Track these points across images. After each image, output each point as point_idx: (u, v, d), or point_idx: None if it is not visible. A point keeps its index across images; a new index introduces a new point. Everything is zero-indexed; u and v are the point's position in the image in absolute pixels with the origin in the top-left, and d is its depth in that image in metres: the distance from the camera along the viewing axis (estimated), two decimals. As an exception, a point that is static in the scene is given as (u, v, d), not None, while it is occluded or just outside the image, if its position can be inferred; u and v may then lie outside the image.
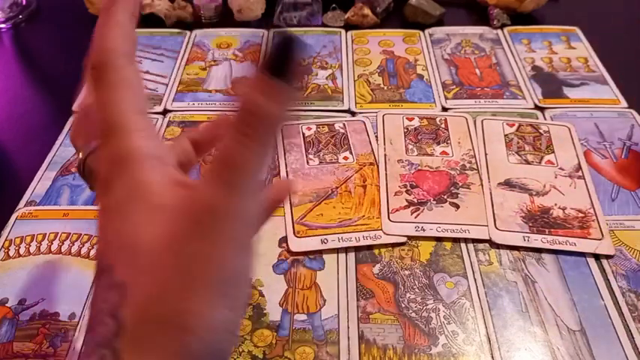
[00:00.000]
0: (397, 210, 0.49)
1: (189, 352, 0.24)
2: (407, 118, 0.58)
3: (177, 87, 0.64)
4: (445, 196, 0.50)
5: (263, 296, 0.44)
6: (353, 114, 0.60)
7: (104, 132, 0.26)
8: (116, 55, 0.27)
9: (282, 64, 0.23)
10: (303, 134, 0.56)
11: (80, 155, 0.32)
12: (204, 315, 0.24)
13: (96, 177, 0.30)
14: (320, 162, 0.53)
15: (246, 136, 0.23)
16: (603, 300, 0.43)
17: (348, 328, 0.41)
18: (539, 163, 0.53)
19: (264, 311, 0.43)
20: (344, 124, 0.57)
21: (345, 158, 0.54)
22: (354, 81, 0.64)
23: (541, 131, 0.56)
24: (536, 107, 0.60)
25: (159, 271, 0.24)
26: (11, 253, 0.47)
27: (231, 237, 0.25)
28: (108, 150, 0.26)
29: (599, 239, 0.46)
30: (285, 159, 0.54)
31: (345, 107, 0.60)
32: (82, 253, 0.47)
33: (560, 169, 0.53)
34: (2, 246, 0.47)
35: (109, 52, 0.27)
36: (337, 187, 0.51)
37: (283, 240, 0.47)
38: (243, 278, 0.26)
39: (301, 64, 0.23)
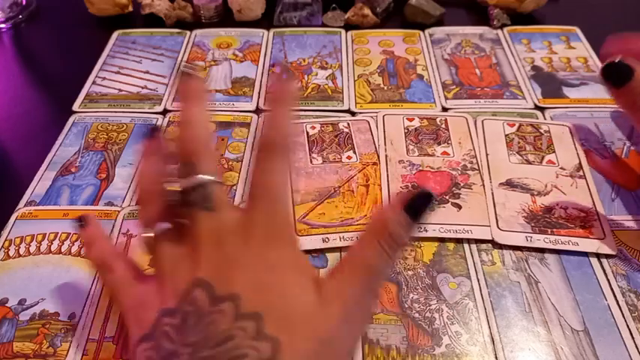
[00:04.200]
0: (399, 210, 0.49)
1: None
2: (407, 119, 0.58)
3: (178, 87, 0.63)
4: (447, 197, 0.50)
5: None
6: (353, 114, 0.59)
7: (268, 195, 0.33)
8: (288, 142, 0.35)
9: (418, 210, 0.31)
10: (307, 133, 0.56)
11: (150, 233, 0.35)
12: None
13: (211, 202, 0.34)
14: (323, 161, 0.53)
15: (383, 247, 0.31)
16: (607, 300, 0.43)
17: (351, 328, 0.41)
18: (541, 162, 0.53)
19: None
20: (348, 124, 0.57)
21: (349, 157, 0.54)
22: (354, 81, 0.64)
23: (541, 131, 0.56)
24: (536, 107, 0.60)
25: (314, 342, 0.30)
26: (11, 253, 0.47)
27: (364, 323, 0.35)
28: (271, 212, 0.33)
29: (602, 239, 0.46)
30: (288, 158, 0.54)
31: (345, 107, 0.60)
32: (82, 253, 0.46)
33: (562, 168, 0.53)
34: (2, 246, 0.47)
35: (286, 138, 0.35)
36: (340, 187, 0.51)
37: (286, 239, 0.47)
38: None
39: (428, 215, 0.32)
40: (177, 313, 0.31)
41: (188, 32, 0.72)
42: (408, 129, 0.57)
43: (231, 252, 0.32)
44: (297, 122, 0.58)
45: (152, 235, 0.35)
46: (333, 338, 0.31)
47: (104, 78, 0.65)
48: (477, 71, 0.65)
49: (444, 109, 0.60)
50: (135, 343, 0.32)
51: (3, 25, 0.74)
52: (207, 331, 0.30)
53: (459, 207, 0.49)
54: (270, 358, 0.29)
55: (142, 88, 0.64)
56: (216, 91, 0.63)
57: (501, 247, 0.46)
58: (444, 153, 0.54)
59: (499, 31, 0.72)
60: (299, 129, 0.57)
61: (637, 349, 0.40)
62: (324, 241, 0.46)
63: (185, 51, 0.69)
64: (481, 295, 0.43)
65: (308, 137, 0.56)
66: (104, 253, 0.38)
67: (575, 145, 0.55)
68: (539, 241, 0.46)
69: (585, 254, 0.46)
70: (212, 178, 0.34)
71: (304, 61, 0.67)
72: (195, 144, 0.35)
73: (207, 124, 0.37)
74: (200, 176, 0.34)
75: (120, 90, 0.63)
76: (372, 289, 0.33)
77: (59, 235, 0.48)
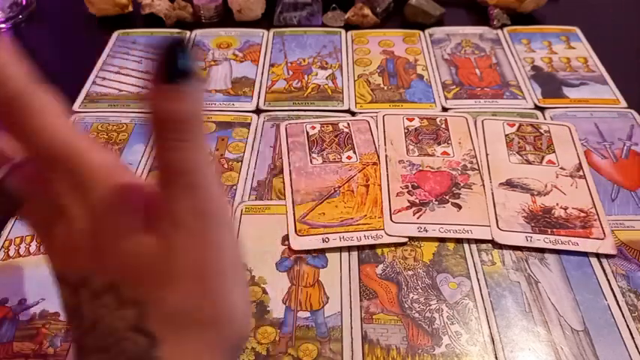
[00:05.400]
0: (399, 211, 0.49)
1: (227, 342, 0.27)
2: (407, 119, 0.58)
3: None
4: (447, 197, 0.50)
5: (266, 293, 0.44)
6: (353, 114, 0.60)
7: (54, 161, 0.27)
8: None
9: (172, 67, 0.24)
10: (307, 133, 0.56)
11: None
12: (226, 305, 0.27)
13: (18, 201, 0.28)
14: (323, 161, 0.53)
15: (176, 140, 0.25)
16: (607, 300, 0.43)
17: (352, 328, 0.41)
18: (540, 162, 0.53)
19: (268, 308, 0.43)
20: (348, 124, 0.57)
21: (349, 158, 0.54)
22: (354, 81, 0.64)
23: (541, 131, 0.56)
24: (536, 107, 0.60)
25: (171, 282, 0.26)
26: (11, 253, 0.47)
27: (219, 224, 0.27)
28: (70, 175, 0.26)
29: (602, 239, 0.47)
30: (288, 158, 0.54)
31: (345, 107, 0.60)
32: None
33: (562, 168, 0.53)
34: (2, 246, 0.47)
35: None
36: (340, 187, 0.51)
37: (286, 238, 0.47)
38: (238, 251, 0.29)
39: (192, 60, 0.24)
40: None
41: (188, 32, 0.72)
42: (408, 129, 0.57)
43: (62, 237, 0.28)
44: (297, 122, 0.58)
45: None
46: (190, 270, 0.26)
47: (104, 78, 0.65)
48: (477, 71, 0.65)
49: (444, 109, 0.60)
50: None
51: (3, 25, 0.74)
52: (81, 321, 0.27)
53: (459, 207, 0.49)
54: (137, 320, 0.26)
55: (142, 88, 0.63)
56: (216, 91, 0.63)
57: (501, 247, 0.46)
58: (444, 153, 0.54)
59: (499, 31, 0.72)
60: (299, 129, 0.57)
61: (637, 349, 0.40)
62: (324, 241, 0.46)
63: (185, 51, 0.69)
64: (481, 295, 0.43)
65: (308, 137, 0.56)
66: None
67: (575, 145, 0.55)
68: (539, 241, 0.46)
69: (585, 254, 0.46)
70: None
71: (304, 61, 0.67)
72: None
73: None
74: None
75: (120, 90, 0.63)
76: (201, 189, 0.26)
77: (59, 235, 0.48)
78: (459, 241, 0.47)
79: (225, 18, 0.75)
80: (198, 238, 0.26)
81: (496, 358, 0.40)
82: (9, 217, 0.29)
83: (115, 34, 0.72)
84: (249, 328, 0.29)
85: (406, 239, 0.47)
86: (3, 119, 0.26)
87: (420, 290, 0.44)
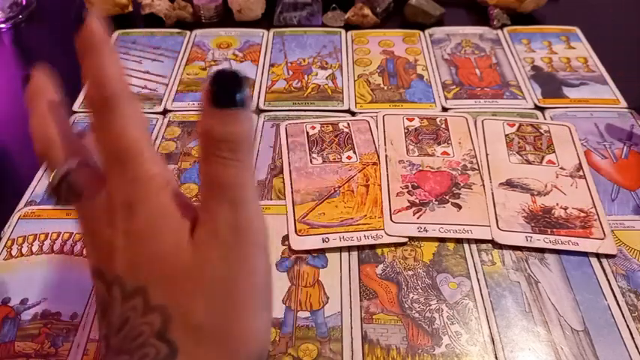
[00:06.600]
0: (399, 211, 0.49)
1: None
2: (407, 119, 0.58)
3: (177, 87, 0.64)
4: (447, 197, 0.50)
5: (266, 294, 0.44)
6: (353, 114, 0.60)
7: (118, 157, 0.30)
8: (125, 88, 0.31)
9: (230, 94, 0.27)
10: (307, 133, 0.56)
11: (55, 171, 0.32)
12: (250, 326, 0.29)
13: (78, 193, 0.31)
14: (323, 161, 0.54)
15: (227, 158, 0.28)
16: (607, 300, 0.43)
17: (352, 328, 0.41)
18: (541, 162, 0.53)
19: (268, 309, 0.43)
20: (348, 124, 0.58)
21: (349, 157, 0.54)
22: (354, 81, 0.64)
23: (541, 131, 0.57)
24: (536, 107, 0.61)
25: (200, 294, 0.28)
26: (13, 252, 0.47)
27: (255, 244, 0.29)
28: (127, 174, 0.29)
29: (602, 239, 0.47)
30: (288, 158, 0.54)
31: (345, 107, 0.60)
32: (84, 253, 0.47)
33: (562, 168, 0.53)
34: (4, 245, 0.47)
35: (118, 86, 0.31)
36: (340, 187, 0.51)
37: (286, 238, 0.47)
38: (270, 276, 0.30)
39: (243, 90, 0.28)
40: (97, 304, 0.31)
41: (188, 32, 0.72)
42: (408, 129, 0.57)
43: (105, 235, 0.30)
44: (297, 122, 0.58)
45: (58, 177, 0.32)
46: (221, 284, 0.28)
47: (104, 78, 0.65)
48: (477, 71, 0.65)
49: (444, 109, 0.60)
50: None
51: (3, 25, 0.74)
52: (110, 319, 0.29)
53: (459, 207, 0.49)
54: (162, 328, 0.27)
55: (142, 88, 0.64)
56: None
57: (501, 247, 0.47)
58: (444, 153, 0.54)
59: (499, 31, 0.72)
60: (299, 129, 0.57)
61: (637, 349, 0.40)
62: (324, 241, 0.46)
63: (185, 51, 0.69)
64: (481, 295, 0.43)
65: (308, 137, 0.56)
66: None
67: (575, 145, 0.55)
68: (539, 241, 0.46)
69: (585, 254, 0.46)
70: (65, 167, 0.31)
71: (304, 61, 0.67)
72: (47, 139, 0.33)
73: (53, 113, 0.34)
74: (56, 170, 0.32)
75: (120, 90, 0.63)
76: (242, 205, 0.29)
77: (61, 234, 0.48)
78: (459, 241, 0.47)
79: (225, 18, 0.75)
80: (232, 253, 0.28)
81: (496, 358, 0.40)
82: (66, 205, 0.32)
83: (115, 34, 0.72)
84: (266, 354, 0.30)
85: (406, 239, 0.47)
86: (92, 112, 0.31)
87: (420, 290, 0.44)
